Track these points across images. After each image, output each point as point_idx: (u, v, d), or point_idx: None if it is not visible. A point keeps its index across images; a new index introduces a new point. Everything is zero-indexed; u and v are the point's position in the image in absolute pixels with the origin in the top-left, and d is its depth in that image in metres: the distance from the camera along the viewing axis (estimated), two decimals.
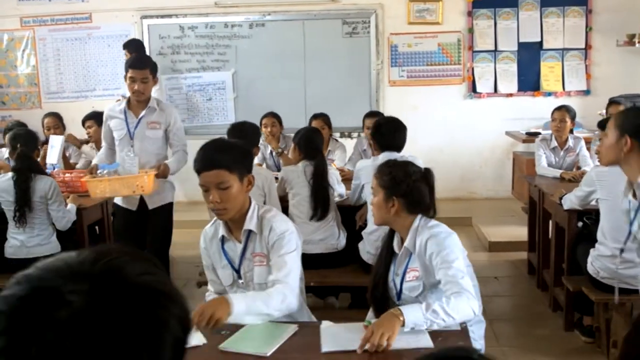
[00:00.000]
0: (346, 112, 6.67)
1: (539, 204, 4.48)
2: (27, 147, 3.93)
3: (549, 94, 6.82)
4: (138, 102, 4.00)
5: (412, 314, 2.01)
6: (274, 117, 5.20)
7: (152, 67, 4.01)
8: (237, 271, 2.35)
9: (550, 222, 4.27)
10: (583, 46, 6.76)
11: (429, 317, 2.02)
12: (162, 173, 3.98)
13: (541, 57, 6.81)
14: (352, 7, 6.87)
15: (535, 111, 6.77)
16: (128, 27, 7.04)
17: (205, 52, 7.00)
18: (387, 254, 2.46)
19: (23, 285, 0.69)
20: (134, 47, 5.99)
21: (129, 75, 3.93)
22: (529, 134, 6.07)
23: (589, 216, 3.85)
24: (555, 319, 4.07)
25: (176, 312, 0.69)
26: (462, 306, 2.08)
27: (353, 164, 5.17)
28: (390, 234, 2.48)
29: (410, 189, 2.35)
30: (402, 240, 2.40)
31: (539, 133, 6.08)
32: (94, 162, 4.19)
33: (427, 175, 2.42)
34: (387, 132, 3.86)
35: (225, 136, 6.41)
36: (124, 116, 4.02)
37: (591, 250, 3.40)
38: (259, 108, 6.13)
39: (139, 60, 4.14)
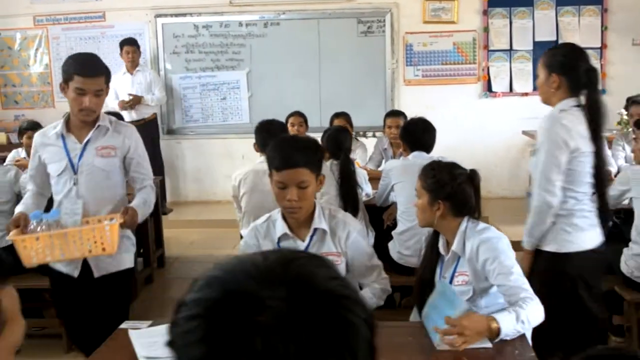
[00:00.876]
0: (361, 112, 6.63)
1: None
2: None
3: None
4: (84, 122, 2.81)
5: (506, 325, 1.96)
6: (300, 116, 5.18)
7: (107, 75, 2.82)
8: None
9: None
10: (598, 45, 6.76)
11: (517, 328, 1.98)
12: (130, 221, 2.75)
13: None
14: (367, 6, 6.86)
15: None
16: (142, 26, 7.02)
17: (219, 51, 6.98)
18: (433, 256, 2.43)
19: (215, 288, 0.68)
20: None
21: (74, 85, 2.70)
22: None
23: (619, 215, 3.85)
24: None
25: (362, 315, 0.69)
26: (536, 312, 2.05)
27: (374, 164, 5.17)
28: (435, 236, 2.45)
29: (455, 191, 2.31)
30: (448, 243, 2.38)
31: None
32: (18, 210, 2.87)
33: (472, 177, 2.39)
34: (416, 132, 3.86)
35: (236, 136, 6.24)
36: (62, 142, 2.81)
37: (625, 250, 3.40)
38: (274, 107, 6.14)
39: (91, 64, 2.79)
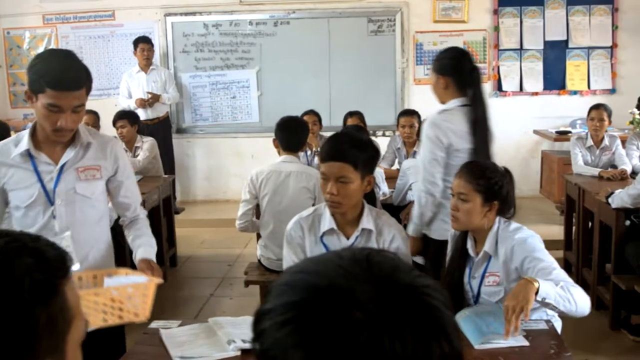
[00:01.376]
0: (371, 111, 6.58)
1: (579, 203, 4.47)
2: None
3: (575, 92, 6.82)
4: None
5: (544, 284, 1.93)
6: (314, 114, 5.16)
7: (89, 83, 2.16)
8: None
9: (594, 220, 4.24)
10: (609, 45, 6.75)
11: (558, 292, 1.94)
12: (158, 275, 2.19)
13: (567, 55, 6.80)
14: (378, 5, 6.85)
15: (561, 110, 6.77)
16: (151, 25, 7.01)
17: (229, 50, 6.97)
18: (461, 257, 2.41)
19: (301, 290, 0.67)
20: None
21: (46, 100, 2.03)
22: (559, 132, 6.06)
23: (636, 214, 3.84)
24: (599, 318, 4.04)
25: (444, 301, 0.69)
26: (582, 296, 2.00)
27: (387, 163, 5.15)
28: (463, 237, 2.42)
29: (507, 191, 2.31)
30: (476, 243, 2.36)
31: (569, 132, 6.08)
32: None
33: (511, 175, 2.39)
34: None
35: (246, 135, 6.14)
36: (30, 164, 2.19)
37: None
38: (284, 106, 6.13)
39: (69, 74, 2.05)
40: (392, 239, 2.29)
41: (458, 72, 2.87)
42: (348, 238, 2.30)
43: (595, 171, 4.69)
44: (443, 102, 2.96)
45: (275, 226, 3.60)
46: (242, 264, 4.81)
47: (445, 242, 2.67)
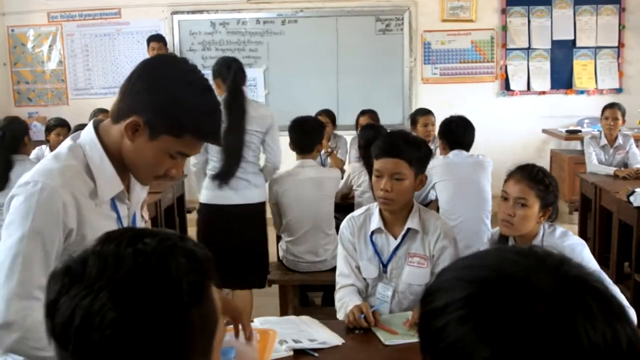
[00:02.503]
0: (378, 109, 6.54)
1: (595, 202, 4.49)
2: None
3: (582, 91, 6.84)
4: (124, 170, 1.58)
5: None
6: (327, 115, 5.14)
7: None
8: (385, 266, 2.31)
9: (613, 219, 4.26)
10: (616, 44, 6.78)
11: None
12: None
13: (574, 55, 6.82)
14: (386, 4, 6.84)
15: (568, 109, 6.79)
16: (158, 23, 6.96)
17: (236, 49, 6.93)
18: None
19: (479, 285, 0.66)
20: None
21: (179, 146, 1.46)
22: (569, 131, 6.08)
23: None
24: None
25: (607, 286, 0.70)
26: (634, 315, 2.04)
27: None
28: (504, 241, 2.36)
29: (557, 196, 2.29)
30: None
31: (579, 131, 6.10)
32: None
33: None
34: (457, 131, 3.85)
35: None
36: (112, 205, 1.56)
37: None
38: (291, 105, 6.12)
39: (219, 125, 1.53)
40: (437, 239, 2.27)
41: (222, 73, 3.43)
42: (395, 237, 2.29)
43: (610, 170, 4.71)
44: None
45: (296, 229, 3.62)
46: None
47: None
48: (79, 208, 1.42)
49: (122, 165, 1.49)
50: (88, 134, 1.50)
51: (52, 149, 5.05)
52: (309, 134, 3.71)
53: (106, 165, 1.47)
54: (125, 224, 1.57)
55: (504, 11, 6.79)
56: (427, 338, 0.69)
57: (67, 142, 1.51)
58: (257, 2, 6.89)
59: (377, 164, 2.21)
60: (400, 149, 2.18)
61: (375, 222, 2.30)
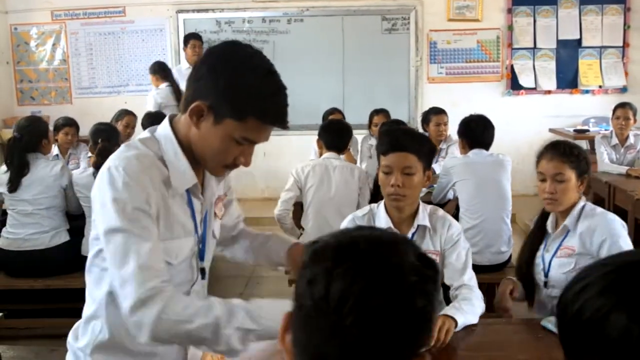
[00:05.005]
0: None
1: (609, 200, 4.50)
2: (109, 142, 3.82)
3: (587, 91, 6.87)
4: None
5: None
6: (340, 113, 5.14)
7: None
8: None
9: (628, 217, 4.27)
10: (621, 44, 6.82)
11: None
12: None
13: (579, 54, 6.85)
14: (392, 3, 6.84)
15: (573, 108, 6.83)
16: (163, 22, 6.93)
17: None
18: (539, 234, 2.45)
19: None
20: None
21: (245, 131, 1.40)
22: (576, 131, 6.11)
23: None
24: None
25: None
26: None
27: None
28: (544, 217, 2.45)
29: (588, 163, 2.35)
30: (557, 221, 2.39)
31: (587, 130, 6.13)
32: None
33: None
34: (476, 130, 3.84)
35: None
36: (187, 199, 1.52)
37: None
38: (297, 104, 6.06)
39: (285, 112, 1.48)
40: (446, 233, 2.26)
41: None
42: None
43: (622, 169, 4.73)
44: None
45: (319, 218, 3.69)
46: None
47: None
48: (157, 194, 1.40)
49: (196, 160, 1.47)
50: (164, 128, 1.49)
51: (60, 148, 5.01)
52: (340, 137, 3.89)
53: (180, 158, 1.45)
54: (199, 219, 1.53)
55: (509, 11, 6.81)
56: (567, 325, 0.72)
57: (144, 134, 1.51)
58: (262, 1, 6.87)
59: (386, 160, 2.16)
60: (409, 143, 2.15)
61: (383, 222, 2.25)
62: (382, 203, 2.31)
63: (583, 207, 2.32)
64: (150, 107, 5.71)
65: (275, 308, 1.28)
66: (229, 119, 1.37)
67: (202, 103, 1.38)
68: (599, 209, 2.34)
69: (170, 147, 1.45)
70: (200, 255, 1.57)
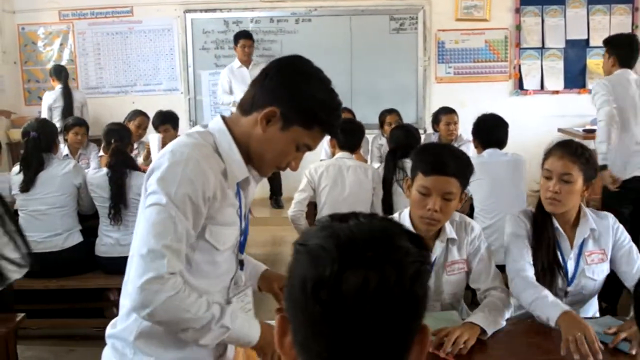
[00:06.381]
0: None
1: None
2: (121, 142, 3.83)
3: None
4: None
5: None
6: (350, 112, 5.13)
7: None
8: None
9: None
10: None
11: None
12: None
13: (587, 54, 6.85)
14: (400, 3, 6.84)
15: (581, 108, 6.81)
16: (170, 22, 6.93)
17: None
18: (552, 241, 2.26)
19: None
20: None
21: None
22: (585, 131, 6.10)
23: None
24: None
25: None
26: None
27: None
28: (544, 222, 2.25)
29: (597, 169, 2.30)
30: (561, 227, 2.25)
31: (594, 130, 6.12)
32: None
33: None
34: (490, 129, 3.85)
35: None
36: (237, 190, 1.59)
37: None
38: None
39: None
40: (470, 239, 2.22)
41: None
42: (430, 251, 2.18)
43: None
44: None
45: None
46: (270, 264, 4.77)
47: None
48: (215, 182, 1.48)
49: (246, 157, 1.55)
50: (217, 124, 1.56)
51: (70, 148, 5.00)
52: (353, 136, 3.88)
53: (234, 151, 1.53)
54: (243, 212, 1.62)
55: (517, 10, 6.81)
56: None
57: (196, 128, 1.58)
58: (270, 1, 6.86)
59: (426, 181, 2.02)
60: (452, 166, 2.03)
61: None
62: (406, 214, 2.21)
63: (587, 211, 2.26)
64: (44, 108, 6.17)
65: (245, 321, 1.52)
66: (297, 126, 1.50)
67: (276, 108, 1.48)
68: (602, 213, 2.30)
69: (225, 141, 1.53)
70: (240, 248, 1.65)
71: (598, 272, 2.26)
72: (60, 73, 6.24)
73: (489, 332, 1.97)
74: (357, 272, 0.75)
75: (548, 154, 2.24)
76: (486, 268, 2.20)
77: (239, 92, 6.20)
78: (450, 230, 2.19)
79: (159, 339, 1.51)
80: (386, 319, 0.76)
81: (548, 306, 1.97)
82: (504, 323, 2.05)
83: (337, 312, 0.75)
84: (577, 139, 2.37)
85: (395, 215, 2.28)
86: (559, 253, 2.27)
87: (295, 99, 1.47)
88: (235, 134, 1.54)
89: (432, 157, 2.08)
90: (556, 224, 2.25)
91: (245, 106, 1.53)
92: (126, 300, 1.48)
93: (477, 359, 1.88)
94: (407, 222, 2.18)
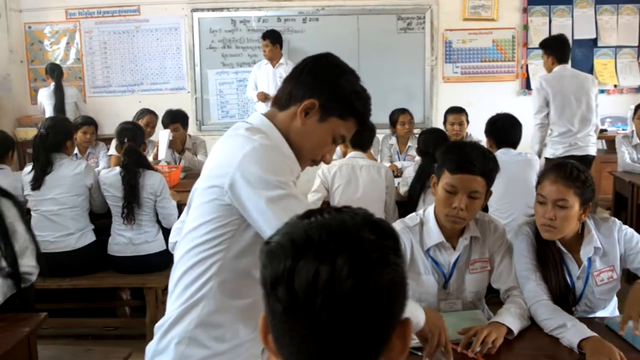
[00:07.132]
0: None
1: (632, 199, 4.50)
2: (134, 141, 3.81)
3: (602, 90, 6.85)
4: None
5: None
6: None
7: None
8: (447, 281, 2.19)
9: None
10: (636, 44, 6.83)
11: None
12: None
13: (595, 54, 6.85)
14: (407, 2, 6.83)
15: None
16: (178, 21, 6.92)
17: (257, 47, 6.87)
18: (559, 264, 2.15)
19: None
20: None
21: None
22: None
23: None
24: None
25: None
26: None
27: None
28: (547, 246, 2.15)
29: (594, 190, 2.12)
30: (565, 247, 2.16)
31: (605, 130, 6.13)
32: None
33: None
34: (504, 128, 3.84)
35: None
36: None
37: None
38: None
39: None
40: (494, 238, 2.20)
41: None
42: (455, 248, 2.18)
43: None
44: None
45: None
46: None
47: None
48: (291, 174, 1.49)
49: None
50: (262, 120, 1.56)
51: (79, 147, 4.99)
52: (364, 135, 3.84)
53: (287, 146, 1.54)
54: None
55: (525, 10, 6.81)
56: None
57: (242, 125, 1.55)
58: (278, 0, 6.85)
59: (454, 180, 2.03)
60: (481, 165, 2.02)
61: (434, 234, 2.16)
62: (431, 212, 2.19)
63: (593, 226, 2.16)
64: (39, 105, 6.45)
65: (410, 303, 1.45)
66: (334, 117, 1.53)
67: (315, 100, 1.51)
68: (610, 220, 2.19)
69: (277, 138, 1.54)
70: None
71: (608, 291, 2.18)
72: (53, 71, 6.38)
73: (516, 332, 1.96)
74: (307, 266, 0.74)
75: (541, 177, 2.16)
76: (508, 268, 2.19)
77: (262, 88, 6.24)
78: (474, 229, 2.19)
79: (217, 329, 1.47)
80: (345, 313, 0.74)
81: (572, 334, 1.90)
82: (529, 322, 2.05)
83: (294, 309, 0.75)
84: (576, 163, 2.16)
85: (420, 212, 2.26)
86: (566, 274, 2.17)
87: (333, 90, 1.51)
88: (280, 130, 1.55)
89: (459, 155, 2.07)
90: (559, 244, 2.15)
91: (282, 101, 1.56)
92: (174, 305, 1.47)
93: (505, 359, 1.87)
94: (431, 219, 2.18)
